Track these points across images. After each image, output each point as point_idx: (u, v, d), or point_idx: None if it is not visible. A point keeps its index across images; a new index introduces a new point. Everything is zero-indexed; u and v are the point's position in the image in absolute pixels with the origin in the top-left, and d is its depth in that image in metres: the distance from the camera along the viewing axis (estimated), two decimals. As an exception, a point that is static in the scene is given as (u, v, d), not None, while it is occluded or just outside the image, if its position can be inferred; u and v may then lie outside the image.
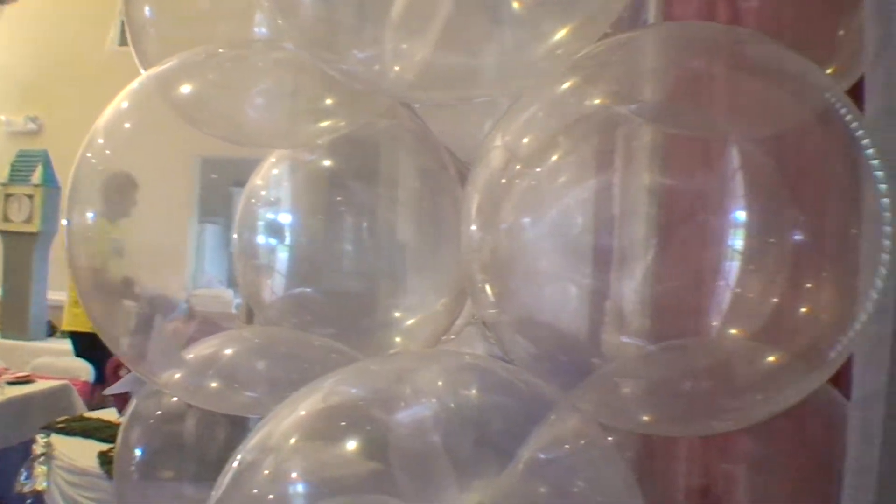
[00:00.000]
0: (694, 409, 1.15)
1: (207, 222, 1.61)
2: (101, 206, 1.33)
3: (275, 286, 1.44)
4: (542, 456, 1.08)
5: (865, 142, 1.05)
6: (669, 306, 1.11)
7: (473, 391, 1.15)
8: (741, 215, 1.04)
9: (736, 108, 1.11)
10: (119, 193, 1.37)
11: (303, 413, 1.08)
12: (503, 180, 1.12)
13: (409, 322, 1.43)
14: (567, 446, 1.12)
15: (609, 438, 1.51)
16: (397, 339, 1.42)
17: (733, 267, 1.04)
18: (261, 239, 1.47)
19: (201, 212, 1.57)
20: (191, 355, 1.39)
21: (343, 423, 1.08)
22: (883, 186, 1.04)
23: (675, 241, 1.10)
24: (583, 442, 1.13)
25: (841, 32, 1.39)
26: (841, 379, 1.22)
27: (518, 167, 1.11)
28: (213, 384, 1.33)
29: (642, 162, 1.10)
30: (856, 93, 1.20)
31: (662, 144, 1.11)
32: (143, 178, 1.39)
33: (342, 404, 1.10)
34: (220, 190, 1.60)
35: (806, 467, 1.46)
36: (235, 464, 1.05)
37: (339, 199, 1.45)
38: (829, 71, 1.38)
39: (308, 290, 1.45)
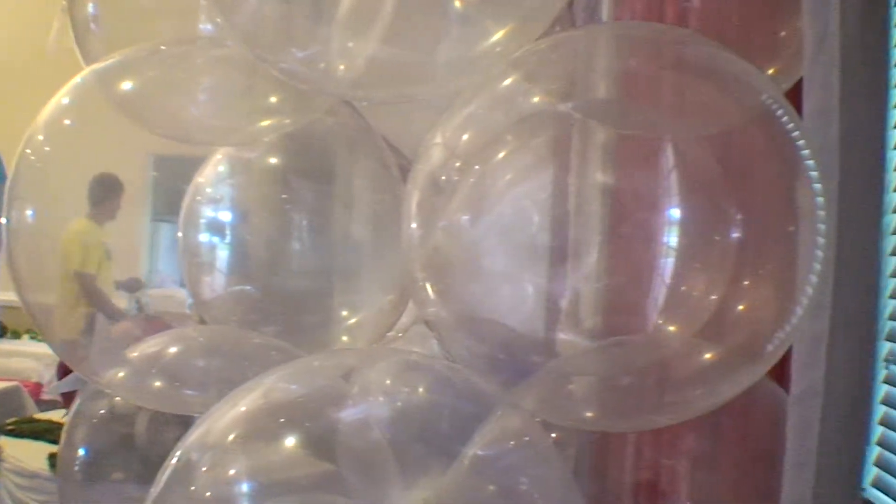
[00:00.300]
0: (635, 405, 1.17)
1: (161, 221, 1.60)
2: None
3: (215, 284, 1.45)
4: (485, 454, 1.09)
5: (801, 142, 1.08)
6: (611, 304, 1.12)
7: (418, 389, 1.16)
8: (679, 214, 1.06)
9: (673, 107, 1.13)
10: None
11: (242, 410, 1.08)
12: (442, 177, 1.13)
13: (354, 320, 1.43)
14: (509, 444, 1.13)
15: (553, 435, 1.56)
16: (341, 337, 1.43)
17: (672, 264, 1.06)
18: (203, 237, 1.47)
19: (154, 210, 1.57)
20: (135, 354, 1.38)
21: (283, 421, 1.08)
22: (818, 186, 1.07)
23: (617, 239, 1.11)
24: (525, 439, 1.14)
25: (783, 33, 1.42)
26: (784, 375, 1.26)
27: (457, 164, 1.12)
28: (156, 383, 1.33)
29: (585, 160, 1.11)
30: (797, 92, 1.24)
31: (606, 143, 1.12)
32: (90, 176, 1.39)
33: (283, 401, 1.10)
34: (174, 188, 1.58)
35: (749, 462, 1.49)
36: (174, 461, 1.05)
37: (281, 196, 1.46)
38: (770, 71, 1.42)
39: (248, 287, 1.45)
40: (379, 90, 1.23)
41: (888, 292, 1.25)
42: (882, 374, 1.24)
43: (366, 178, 1.46)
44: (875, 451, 1.24)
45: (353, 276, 1.47)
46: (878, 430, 1.24)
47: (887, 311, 1.25)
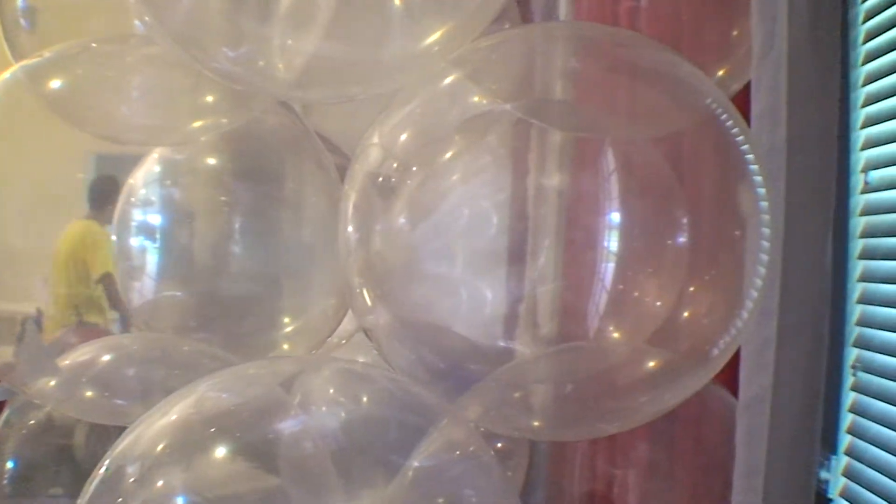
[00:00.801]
0: (582, 413, 1.17)
1: (102, 222, 1.56)
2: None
3: (146, 289, 1.43)
4: (428, 466, 1.09)
5: (745, 147, 1.08)
6: (558, 310, 1.12)
7: (361, 400, 1.16)
8: (625, 218, 1.06)
9: (616, 109, 1.13)
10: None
11: (173, 419, 1.06)
12: (379, 179, 1.12)
13: (293, 326, 1.43)
14: (452, 455, 1.13)
15: (498, 445, 1.57)
16: (280, 344, 1.42)
17: (615, 269, 1.06)
18: (135, 240, 1.46)
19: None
20: (66, 362, 1.37)
21: (216, 431, 1.06)
22: (761, 190, 1.08)
23: (563, 244, 1.11)
24: (469, 450, 1.14)
25: (734, 32, 1.43)
26: (735, 382, 1.27)
27: (394, 165, 1.12)
28: (87, 393, 1.31)
29: (531, 162, 1.11)
30: (749, 94, 1.26)
31: (551, 145, 1.12)
32: (20, 176, 1.38)
33: (216, 410, 1.09)
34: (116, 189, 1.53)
35: (702, 471, 1.50)
36: (102, 471, 1.03)
37: (216, 198, 1.45)
38: (721, 72, 1.43)
39: (179, 293, 1.44)
40: (318, 90, 1.23)
41: (855, 297, 1.26)
42: (849, 381, 1.26)
43: (304, 180, 1.45)
44: (843, 461, 1.26)
45: (292, 280, 1.46)
46: (846, 440, 1.26)
47: (853, 317, 1.26)
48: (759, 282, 1.08)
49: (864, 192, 1.26)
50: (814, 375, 1.21)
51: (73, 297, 1.51)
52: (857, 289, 1.27)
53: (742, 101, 1.28)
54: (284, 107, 1.43)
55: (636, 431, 1.56)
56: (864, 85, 1.25)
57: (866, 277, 1.25)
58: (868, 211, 1.25)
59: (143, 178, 1.46)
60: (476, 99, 1.15)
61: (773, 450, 1.21)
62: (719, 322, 1.10)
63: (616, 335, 1.10)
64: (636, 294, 1.08)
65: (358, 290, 1.15)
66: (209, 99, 1.31)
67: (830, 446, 1.27)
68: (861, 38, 1.26)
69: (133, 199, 1.46)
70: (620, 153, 1.09)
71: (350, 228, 1.14)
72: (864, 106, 1.25)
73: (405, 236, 1.12)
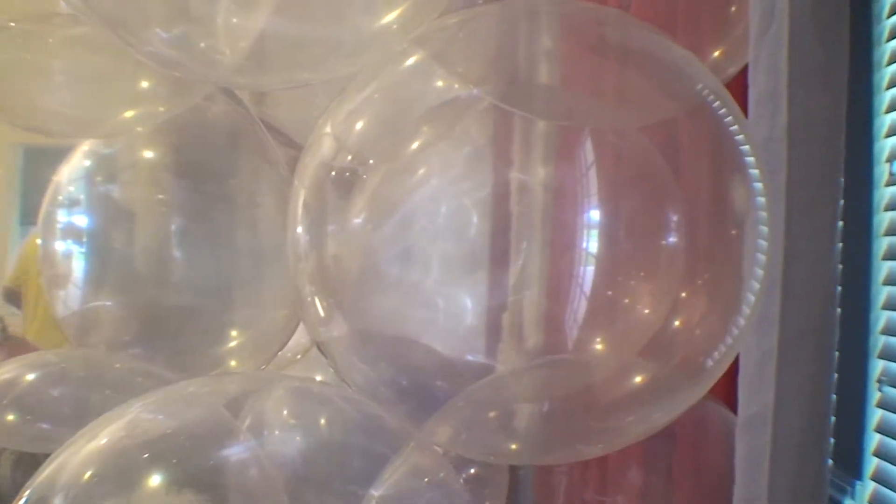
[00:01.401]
0: (563, 434, 1.19)
1: (33, 224, 1.59)
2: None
3: (71, 299, 1.44)
4: (391, 495, 1.11)
5: (740, 137, 1.10)
6: (536, 320, 1.12)
7: (318, 423, 1.17)
8: (610, 217, 1.07)
9: (599, 95, 1.14)
10: None
11: (102, 444, 1.07)
12: (332, 174, 1.12)
13: (239, 339, 1.44)
14: (418, 484, 1.15)
15: (473, 471, 1.58)
16: (225, 360, 1.43)
17: (603, 274, 1.07)
18: (60, 244, 1.47)
19: (24, 211, 1.56)
20: (-15, 382, 1.35)
21: (150, 457, 1.06)
22: (758, 185, 1.09)
23: (542, 246, 1.11)
24: (436, 478, 1.17)
25: (732, 8, 1.45)
26: (735, 397, 1.29)
27: (349, 158, 1.12)
28: (8, 416, 1.31)
29: (496, 155, 1.12)
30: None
31: (530, 135, 1.12)
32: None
33: (150, 434, 1.09)
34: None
35: (699, 496, 1.52)
36: (23, 502, 1.04)
37: (152, 197, 1.46)
38: (717, 53, 1.45)
39: (110, 303, 1.45)
40: (266, 75, 1.23)
41: (879, 302, 1.28)
42: (874, 396, 1.28)
43: (250, 176, 1.46)
44: (869, 487, 1.27)
45: (239, 288, 1.47)
46: (872, 462, 1.27)
47: (878, 325, 1.28)
48: (756, 285, 1.09)
49: (888, 184, 1.27)
50: (820, 391, 1.22)
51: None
52: (881, 293, 1.28)
53: (741, 84, 1.30)
54: (228, 94, 1.43)
55: (629, 454, 1.58)
56: (890, 64, 1.26)
57: (892, 280, 1.26)
58: (894, 206, 1.26)
59: (70, 175, 1.47)
60: (441, 83, 1.16)
61: (776, 475, 1.22)
62: (714, 330, 1.11)
63: (603, 347, 1.11)
64: (626, 301, 1.09)
65: (309, 300, 1.15)
66: (144, 85, 1.32)
67: (854, 470, 1.29)
68: (885, 11, 1.27)
69: (59, 199, 1.47)
70: (608, 144, 1.10)
71: (300, 229, 1.14)
72: (889, 88, 1.26)
73: (364, 238, 1.12)
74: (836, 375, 1.25)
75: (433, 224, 1.12)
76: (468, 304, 1.12)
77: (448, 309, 1.13)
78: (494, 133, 1.12)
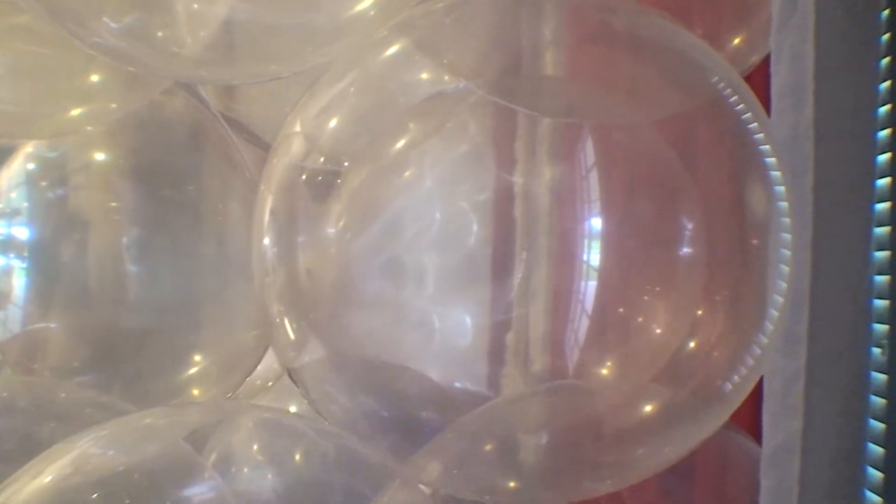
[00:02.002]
0: (567, 469, 1.20)
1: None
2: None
3: (11, 320, 1.44)
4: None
5: (759, 135, 1.11)
6: (533, 341, 1.12)
7: (290, 459, 1.17)
8: (611, 224, 1.07)
9: (602, 90, 1.15)
10: None
11: (45, 482, 1.06)
12: (303, 177, 1.13)
13: (203, 364, 1.44)
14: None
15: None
16: (186, 387, 1.43)
17: (605, 288, 1.07)
18: (-1, 259, 1.43)
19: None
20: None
21: (99, 497, 1.06)
22: (779, 188, 1.10)
23: (542, 256, 1.12)
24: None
25: (752, -8, 1.45)
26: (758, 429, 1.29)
27: (321, 160, 1.13)
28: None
29: (496, 154, 1.13)
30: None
31: (515, 131, 1.13)
32: None
33: (101, 472, 1.09)
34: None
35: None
36: None
37: (103, 205, 1.46)
38: (736, 40, 1.47)
39: (55, 325, 1.45)
40: (230, 68, 1.24)
41: None
42: None
43: (213, 180, 1.46)
44: None
45: (201, 307, 1.47)
46: None
47: None
48: (780, 300, 1.10)
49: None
50: (854, 418, 1.23)
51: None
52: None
53: (763, 76, 1.31)
54: (188, 89, 1.43)
55: (643, 491, 1.55)
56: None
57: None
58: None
59: (11, 180, 1.47)
60: (426, 75, 1.16)
61: (808, 513, 1.19)
62: (733, 350, 1.12)
63: (613, 370, 1.12)
64: (640, 319, 1.10)
65: (278, 320, 1.16)
66: (93, 79, 1.32)
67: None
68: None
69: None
70: (617, 142, 1.12)
71: (266, 240, 1.15)
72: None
73: (342, 248, 1.13)
74: (874, 399, 1.25)
75: (425, 232, 1.11)
76: (465, 323, 1.12)
77: (441, 329, 1.13)
78: (495, 130, 1.12)
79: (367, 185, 1.13)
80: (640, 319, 1.11)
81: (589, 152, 1.09)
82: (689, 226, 1.09)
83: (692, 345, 1.11)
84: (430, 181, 1.12)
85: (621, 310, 1.10)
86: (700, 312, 1.11)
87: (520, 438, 1.20)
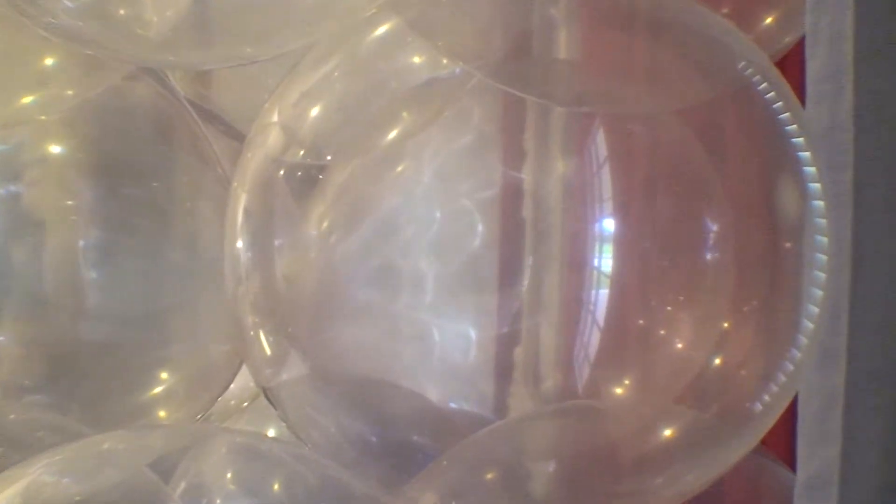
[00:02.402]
0: (579, 499, 1.19)
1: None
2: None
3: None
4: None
5: (792, 127, 1.10)
6: (543, 356, 1.12)
7: (268, 489, 1.16)
8: (620, 226, 1.07)
9: (615, 75, 1.15)
10: None
11: None
12: (280, 173, 1.13)
13: (169, 382, 1.43)
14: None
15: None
16: (152, 408, 1.43)
17: (623, 298, 1.07)
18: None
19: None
20: None
21: None
22: (816, 186, 1.09)
23: (553, 261, 1.11)
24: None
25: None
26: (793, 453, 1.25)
27: (301, 153, 1.13)
28: None
29: (504, 146, 1.13)
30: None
31: (524, 121, 1.13)
32: None
33: (53, 501, 1.09)
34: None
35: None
36: None
37: (59, 203, 1.45)
38: (769, 19, 1.46)
39: (3, 337, 1.43)
40: (200, 51, 1.24)
41: None
42: None
43: (182, 176, 1.46)
44: None
45: (169, 317, 1.46)
46: None
47: None
48: (815, 311, 1.10)
49: None
50: (897, 443, 1.21)
51: None
52: None
53: (797, 60, 1.30)
54: (153, 75, 1.43)
55: None
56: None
57: None
58: None
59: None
60: (420, 58, 1.17)
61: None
62: (764, 367, 1.12)
63: (633, 390, 1.12)
64: (661, 332, 1.10)
65: (252, 333, 1.16)
66: (48, 63, 1.32)
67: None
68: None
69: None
70: (634, 134, 1.11)
71: (240, 243, 1.15)
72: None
73: (326, 252, 1.13)
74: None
75: (422, 234, 1.11)
76: (467, 337, 1.12)
77: (441, 343, 1.13)
78: (501, 120, 1.12)
79: (355, 182, 1.14)
80: (662, 333, 1.11)
81: (604, 146, 1.09)
82: (715, 228, 1.09)
83: (718, 361, 1.11)
84: (428, 176, 1.12)
85: (641, 322, 1.10)
86: (727, 325, 1.11)
87: (527, 466, 1.20)
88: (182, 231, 1.46)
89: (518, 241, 1.08)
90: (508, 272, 1.09)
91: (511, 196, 1.10)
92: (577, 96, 1.14)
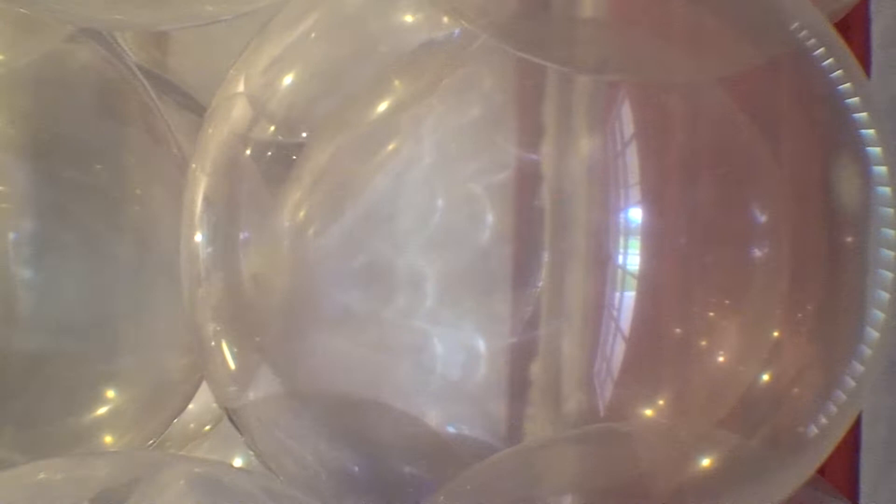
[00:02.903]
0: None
1: None
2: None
3: None
4: None
5: (853, 100, 1.07)
6: (565, 371, 1.10)
7: None
8: (655, 217, 1.04)
9: (648, 38, 1.12)
10: None
11: None
12: (247, 153, 1.11)
13: (116, 401, 1.42)
14: None
15: None
16: (96, 433, 1.41)
17: (647, 300, 1.04)
18: None
19: None
20: None
21: None
22: (881, 169, 1.07)
23: (571, 257, 1.08)
24: None
25: None
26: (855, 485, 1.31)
27: (272, 130, 1.11)
28: None
29: (518, 122, 1.10)
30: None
31: (542, 92, 1.10)
32: None
33: None
34: None
35: None
36: None
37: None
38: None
39: None
40: (151, 10, 1.23)
41: None
42: None
43: (131, 157, 1.44)
44: None
45: (117, 324, 1.44)
46: None
47: None
48: (880, 316, 1.07)
49: None
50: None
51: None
52: None
53: (861, 21, 1.30)
54: (97, 37, 1.42)
55: None
56: None
57: None
58: None
59: None
60: (413, 17, 1.15)
61: None
62: (820, 384, 1.10)
63: (667, 411, 1.09)
64: (702, 343, 1.07)
65: (213, 343, 1.14)
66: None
67: None
68: None
69: None
70: (675, 109, 1.08)
71: (199, 237, 1.13)
72: None
73: (302, 248, 1.11)
74: None
75: (420, 225, 1.09)
76: (474, 348, 1.09)
77: (442, 355, 1.11)
78: (516, 89, 1.10)
79: (338, 163, 1.12)
80: (703, 343, 1.08)
81: (636, 121, 1.06)
82: (763, 219, 1.06)
83: (767, 377, 1.08)
84: (427, 157, 1.09)
85: (678, 330, 1.07)
86: (777, 334, 1.08)
87: (545, 500, 1.18)
88: (131, 222, 1.44)
89: (534, 234, 1.06)
90: (523, 270, 1.06)
91: (526, 180, 1.07)
92: (603, 62, 1.12)
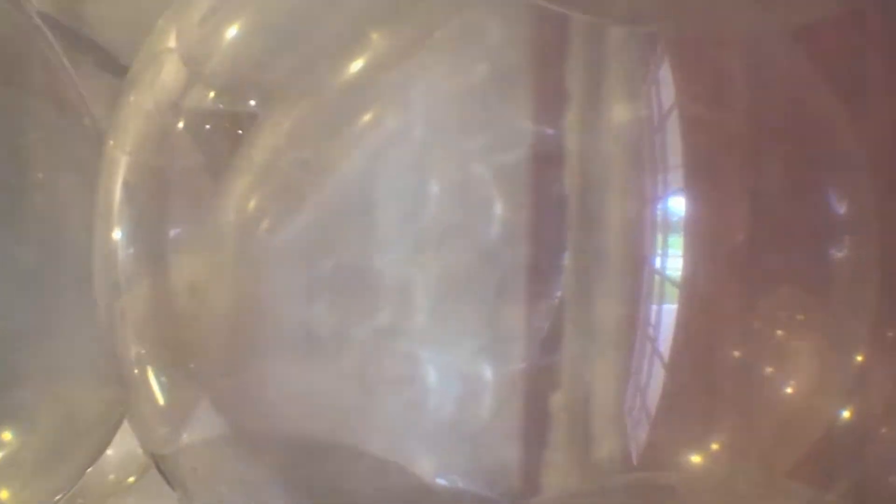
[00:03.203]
0: None
1: None
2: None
3: None
4: None
5: None
6: (595, 405, 0.99)
7: None
8: (707, 206, 0.95)
9: None
10: None
11: None
12: (179, 126, 1.01)
13: (14, 444, 1.33)
14: None
15: None
16: None
17: (697, 314, 0.93)
18: None
19: None
20: None
21: None
22: None
23: (601, 257, 0.96)
24: None
25: None
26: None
27: (211, 96, 1.01)
28: None
29: (533, 88, 0.99)
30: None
31: (564, 50, 1.00)
32: None
33: None
34: None
35: None
36: None
37: None
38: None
39: None
40: None
41: None
42: None
43: (32, 132, 1.36)
44: None
45: (15, 344, 1.35)
46: None
47: None
48: None
49: None
50: None
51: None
52: None
53: None
54: None
55: None
56: None
57: None
58: None
59: None
60: None
61: None
62: None
63: (723, 458, 0.99)
64: (768, 371, 0.99)
65: (137, 371, 1.04)
66: None
67: None
68: None
69: None
70: (735, 69, 0.98)
71: (118, 233, 1.04)
72: None
73: (253, 248, 1.01)
74: None
75: (409, 218, 0.98)
76: (479, 375, 0.98)
77: (437, 384, 1.00)
78: (531, 45, 1.00)
79: (298, 139, 1.01)
80: (767, 371, 0.98)
81: (682, 84, 0.95)
82: (844, 210, 0.97)
83: (848, 413, 0.99)
84: (418, 131, 0.98)
85: (735, 354, 0.96)
86: (862, 358, 0.99)
87: None
88: (31, 216, 1.37)
89: (554, 230, 0.96)
90: (539, 277, 0.96)
91: (543, 161, 0.96)
92: (639, 11, 1.01)
